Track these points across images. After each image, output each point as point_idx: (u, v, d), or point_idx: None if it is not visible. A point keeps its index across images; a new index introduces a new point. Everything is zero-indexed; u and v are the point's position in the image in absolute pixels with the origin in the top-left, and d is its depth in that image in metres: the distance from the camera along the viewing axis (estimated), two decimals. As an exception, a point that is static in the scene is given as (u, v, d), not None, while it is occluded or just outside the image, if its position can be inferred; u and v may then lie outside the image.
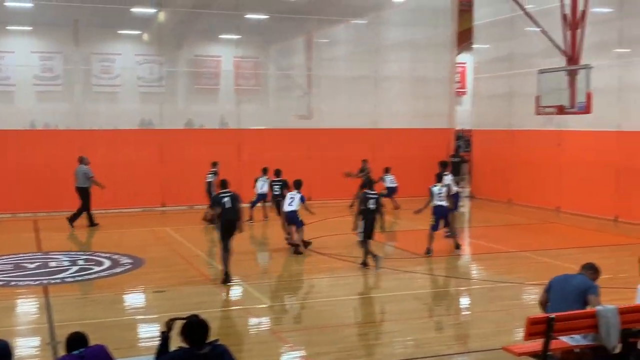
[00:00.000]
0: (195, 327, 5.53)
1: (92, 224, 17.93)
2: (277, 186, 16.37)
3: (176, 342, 5.64)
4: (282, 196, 15.58)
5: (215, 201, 12.47)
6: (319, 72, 24.10)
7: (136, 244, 15.62)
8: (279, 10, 24.28)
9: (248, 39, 23.88)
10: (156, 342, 5.85)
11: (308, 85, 24.16)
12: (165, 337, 5.77)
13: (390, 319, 9.88)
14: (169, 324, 5.80)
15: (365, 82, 24.17)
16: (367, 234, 12.87)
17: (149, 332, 9.15)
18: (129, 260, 13.77)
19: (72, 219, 17.76)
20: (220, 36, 24.93)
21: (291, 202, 14.71)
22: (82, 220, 17.85)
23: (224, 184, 12.75)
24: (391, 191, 21.03)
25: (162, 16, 23.04)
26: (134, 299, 11.48)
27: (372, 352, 8.39)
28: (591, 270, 7.66)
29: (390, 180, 21.01)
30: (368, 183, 13.47)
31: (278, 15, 24.05)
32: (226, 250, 12.11)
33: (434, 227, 14.25)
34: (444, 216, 14.43)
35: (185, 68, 24.13)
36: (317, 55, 24.28)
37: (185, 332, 5.52)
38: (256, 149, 22.49)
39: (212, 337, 5.75)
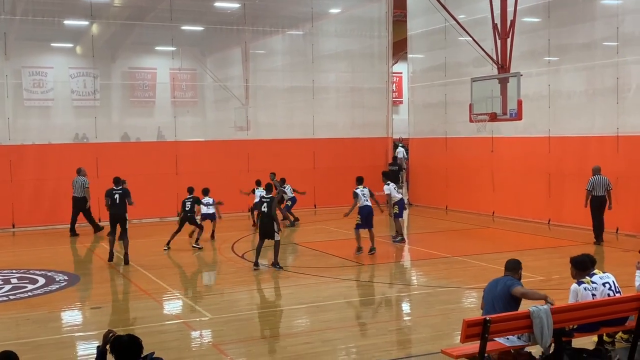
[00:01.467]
0: (122, 346, 5.42)
1: (97, 228, 19.33)
2: (189, 202, 16.65)
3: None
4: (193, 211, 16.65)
5: (107, 194, 14.72)
6: (256, 83, 24.11)
7: (71, 261, 15.27)
8: (215, 22, 24.18)
9: (184, 50, 23.65)
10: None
11: (245, 96, 24.11)
12: (101, 352, 5.65)
13: (332, 327, 9.92)
14: (106, 338, 5.68)
15: (303, 92, 24.28)
16: (261, 235, 13.73)
17: (87, 350, 8.94)
18: (64, 277, 13.44)
19: (72, 229, 19.04)
20: (155, 48, 24.66)
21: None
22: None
23: (117, 181, 14.89)
24: (292, 202, 20.56)
25: (95, 28, 22.64)
26: (71, 317, 11.20)
27: (314, 360, 8.40)
28: (513, 269, 7.91)
29: (289, 191, 20.54)
30: (267, 188, 14.22)
31: (213, 26, 23.95)
32: (112, 234, 14.71)
33: (359, 226, 15.27)
34: (369, 216, 15.34)
35: (120, 81, 23.73)
36: (254, 67, 24.27)
37: (113, 350, 5.43)
38: (194, 161, 22.31)
39: (152, 352, 5.68)
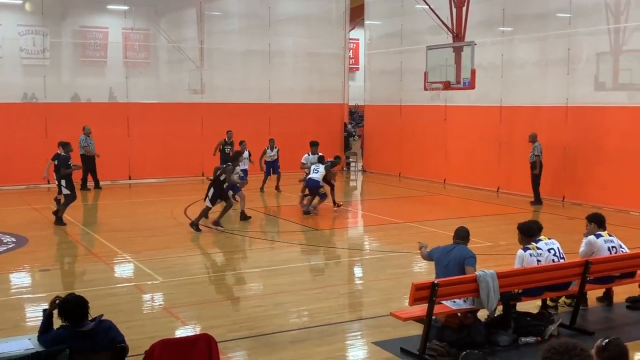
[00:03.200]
0: (71, 306, 5.41)
1: (97, 186, 20.02)
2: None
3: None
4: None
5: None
6: (211, 46, 23.72)
7: (19, 222, 14.96)
8: (169, -19, 23.66)
9: (137, 10, 23.09)
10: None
11: (200, 58, 23.75)
12: (47, 315, 5.61)
13: (284, 291, 10.00)
14: (53, 304, 5.64)
15: (259, 56, 24.03)
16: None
17: (35, 312, 8.83)
18: (12, 239, 13.20)
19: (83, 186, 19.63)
20: (107, 7, 23.99)
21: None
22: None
23: (61, 145, 14.85)
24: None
25: (44, -16, 21.92)
26: (19, 279, 11.03)
27: (266, 323, 8.47)
28: (464, 238, 8.09)
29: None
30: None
31: (168, -15, 23.42)
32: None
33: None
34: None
35: (70, 39, 23.08)
36: (209, 28, 23.85)
37: (61, 312, 5.40)
38: (146, 123, 21.99)
39: (100, 314, 5.67)
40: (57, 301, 5.60)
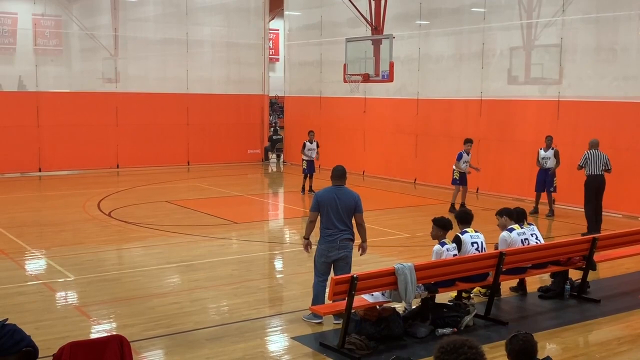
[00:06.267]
0: None
1: None
2: None
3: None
4: None
5: None
6: (126, 34, 23.04)
7: None
8: (82, -34, 22.82)
9: (48, -5, 22.21)
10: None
11: (114, 47, 23.02)
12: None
13: (202, 287, 9.81)
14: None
15: (176, 45, 23.53)
16: None
17: None
18: None
19: None
20: (16, -8, 22.95)
21: None
22: None
23: None
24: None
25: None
26: None
27: (182, 320, 8.27)
28: (342, 177, 8.36)
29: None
30: None
31: (81, -29, 22.58)
32: None
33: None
34: None
35: (-24, 25, 21.97)
36: (124, 16, 23.14)
37: None
38: (58, 113, 21.19)
39: (5, 318, 5.35)
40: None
